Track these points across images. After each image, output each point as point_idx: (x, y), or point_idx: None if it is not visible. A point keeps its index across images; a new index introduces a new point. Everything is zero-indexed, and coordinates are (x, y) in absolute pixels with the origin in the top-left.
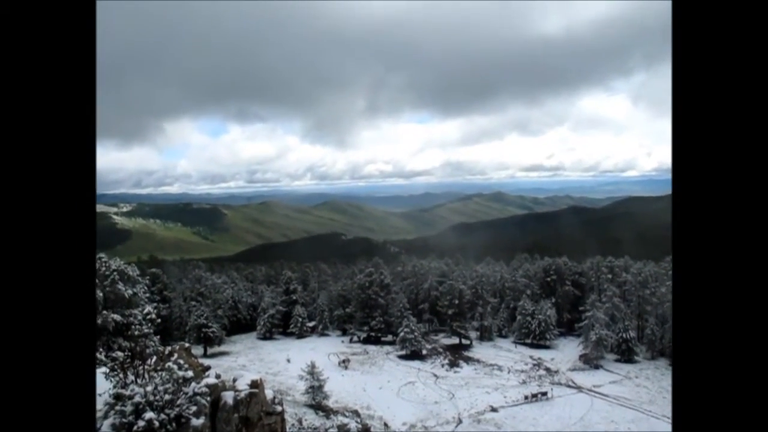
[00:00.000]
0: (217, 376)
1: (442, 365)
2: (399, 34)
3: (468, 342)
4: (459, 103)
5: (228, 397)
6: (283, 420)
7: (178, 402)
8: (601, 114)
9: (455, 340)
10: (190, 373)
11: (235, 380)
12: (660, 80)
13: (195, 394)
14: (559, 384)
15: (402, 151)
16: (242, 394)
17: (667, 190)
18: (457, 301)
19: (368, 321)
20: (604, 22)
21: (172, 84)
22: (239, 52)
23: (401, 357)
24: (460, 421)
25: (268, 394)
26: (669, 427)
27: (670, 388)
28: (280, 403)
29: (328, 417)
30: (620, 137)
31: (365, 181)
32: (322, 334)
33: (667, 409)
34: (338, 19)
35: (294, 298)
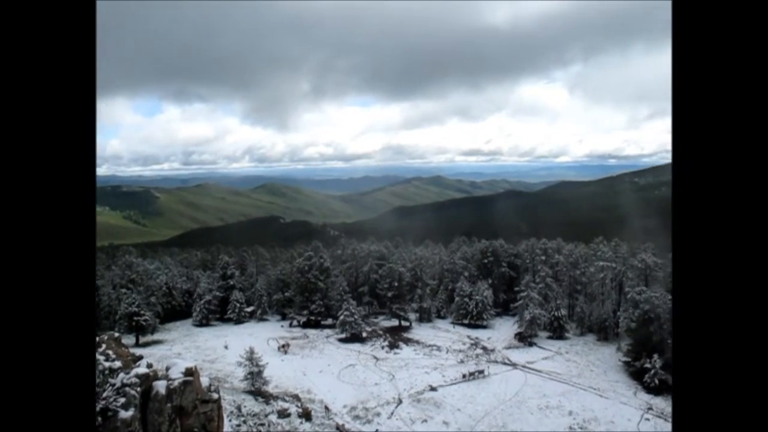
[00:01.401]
0: (149, 366)
1: (382, 347)
2: (349, 18)
3: (407, 324)
4: (404, 87)
5: (160, 386)
6: (219, 407)
7: (104, 395)
8: (538, 102)
9: (395, 322)
10: (117, 364)
11: (168, 369)
12: (595, 71)
13: (123, 385)
14: (496, 362)
15: (343, 134)
16: (175, 383)
17: (597, 175)
18: (396, 284)
19: (308, 305)
20: (548, 16)
21: (109, 61)
22: (185, 32)
23: (341, 340)
24: (400, 401)
25: (204, 381)
26: (595, 398)
27: (597, 362)
28: (217, 391)
29: (267, 402)
30: (555, 124)
31: (305, 163)
32: (261, 319)
33: (594, 381)
34: (289, 1)
35: (231, 283)
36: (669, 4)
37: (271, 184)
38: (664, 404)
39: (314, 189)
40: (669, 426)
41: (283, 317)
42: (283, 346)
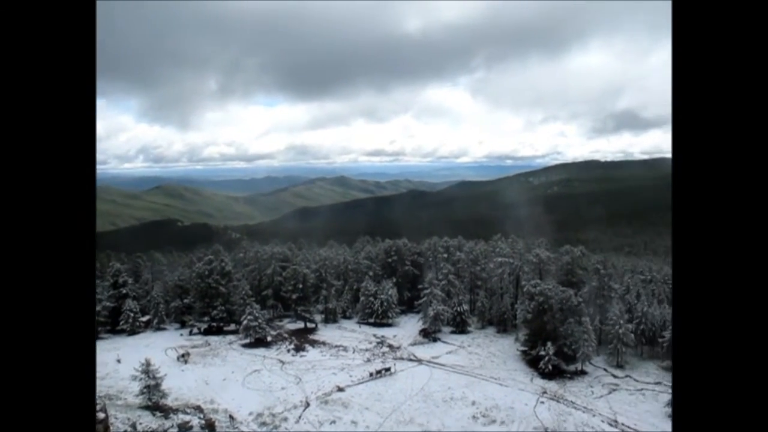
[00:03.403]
0: None
1: (288, 350)
2: (261, 18)
3: (313, 325)
4: (313, 88)
5: None
6: (107, 428)
7: None
8: (443, 104)
9: (300, 325)
10: None
11: None
12: (496, 77)
13: None
14: (402, 359)
15: (246, 134)
16: None
17: (495, 175)
18: (301, 286)
19: (209, 311)
20: (456, 26)
21: None
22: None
23: (245, 345)
24: (307, 404)
25: None
26: (496, 387)
27: (497, 353)
28: (103, 410)
29: (167, 417)
30: (458, 126)
31: (204, 164)
32: (158, 329)
33: (495, 371)
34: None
35: (124, 291)
36: (565, 19)
37: (167, 186)
38: (556, 387)
39: (214, 190)
40: (561, 407)
41: (183, 325)
42: (183, 355)
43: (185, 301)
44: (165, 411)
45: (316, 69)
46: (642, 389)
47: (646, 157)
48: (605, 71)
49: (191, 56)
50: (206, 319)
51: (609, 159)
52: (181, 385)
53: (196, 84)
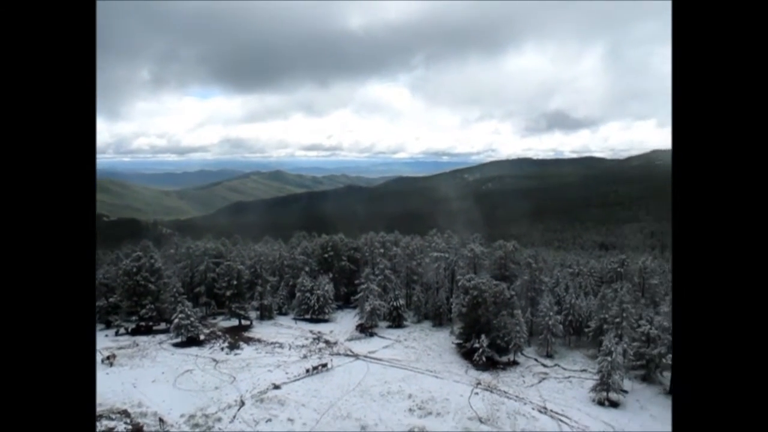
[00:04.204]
0: None
1: (222, 349)
2: (198, 7)
3: (248, 322)
4: (250, 80)
5: None
6: None
7: None
8: (382, 100)
9: (235, 322)
10: None
11: None
12: (435, 75)
13: None
14: (338, 354)
15: (179, 126)
16: None
17: (431, 171)
18: (235, 282)
19: (137, 310)
20: (398, 25)
21: None
22: None
23: (177, 345)
24: (242, 404)
25: None
26: (432, 380)
27: (433, 346)
28: None
29: None
30: (396, 122)
31: (132, 156)
32: None
33: (430, 364)
34: None
35: None
36: (502, 22)
37: None
38: (490, 378)
39: (144, 184)
40: (495, 397)
41: (108, 326)
42: (108, 357)
43: (111, 300)
44: None
45: (255, 61)
46: (569, 377)
47: (575, 155)
48: (538, 73)
49: (122, 43)
50: (134, 318)
51: (541, 157)
52: (106, 389)
53: (126, 72)
